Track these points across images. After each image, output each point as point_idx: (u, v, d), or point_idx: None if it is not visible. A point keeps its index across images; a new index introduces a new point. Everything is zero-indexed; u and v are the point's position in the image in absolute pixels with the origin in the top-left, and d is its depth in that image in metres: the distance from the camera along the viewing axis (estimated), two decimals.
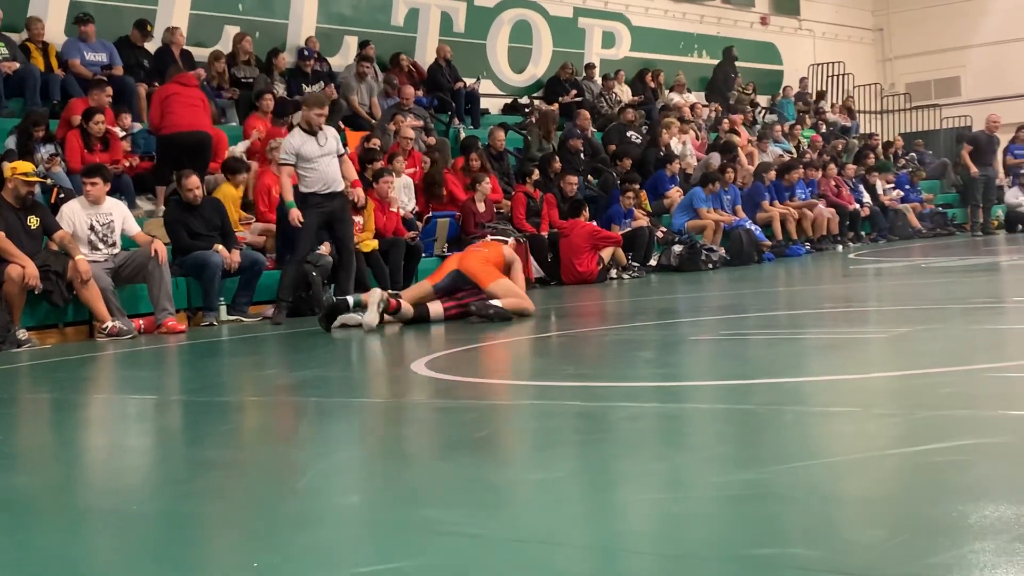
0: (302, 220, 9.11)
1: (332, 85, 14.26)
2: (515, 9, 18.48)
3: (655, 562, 2.24)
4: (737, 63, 21.26)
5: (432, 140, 14.13)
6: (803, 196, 17.06)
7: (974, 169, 19.36)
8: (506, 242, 9.36)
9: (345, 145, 9.83)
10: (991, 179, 19.59)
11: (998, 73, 23.85)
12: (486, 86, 17.52)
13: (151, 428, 4.64)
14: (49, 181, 9.90)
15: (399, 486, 3.05)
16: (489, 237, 10.49)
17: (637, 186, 14.62)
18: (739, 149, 17.29)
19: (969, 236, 19.15)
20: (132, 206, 10.40)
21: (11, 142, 10.49)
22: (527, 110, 17.03)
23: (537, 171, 13.68)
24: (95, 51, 12.54)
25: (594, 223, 13.32)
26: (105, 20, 12.84)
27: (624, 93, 18.74)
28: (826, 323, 7.08)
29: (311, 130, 9.17)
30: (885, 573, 2.04)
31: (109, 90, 11.41)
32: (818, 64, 24.29)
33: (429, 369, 5.48)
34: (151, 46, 13.22)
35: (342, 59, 15.54)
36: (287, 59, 14.47)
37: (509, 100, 17.92)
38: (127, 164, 10.97)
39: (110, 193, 9.44)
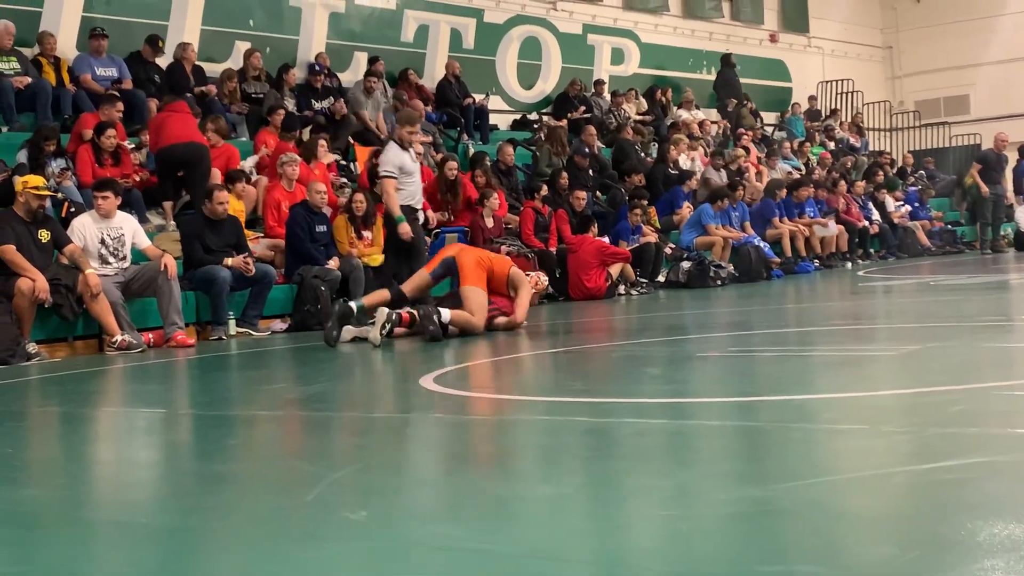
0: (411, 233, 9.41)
1: (341, 100, 14.31)
2: (524, 26, 18.56)
3: None
4: (745, 80, 21.31)
5: (440, 156, 14.16)
6: (812, 213, 17.06)
7: (984, 187, 19.35)
8: (528, 259, 9.40)
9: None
10: (1000, 197, 19.60)
11: (1007, 91, 23.86)
12: (495, 102, 17.58)
13: (160, 442, 4.65)
14: (60, 195, 9.94)
15: (407, 501, 3.05)
16: (504, 251, 10.55)
17: (645, 202, 14.63)
18: (743, 163, 17.27)
19: (978, 254, 19.13)
20: (142, 220, 10.44)
21: (22, 156, 10.55)
22: (536, 126, 17.07)
23: (545, 187, 13.70)
24: (105, 66, 12.62)
25: (603, 239, 13.32)
26: (117, 35, 12.91)
27: (633, 110, 18.77)
28: (835, 340, 7.07)
29: (404, 146, 9.40)
30: None
31: (120, 105, 11.47)
32: (827, 81, 24.32)
33: (437, 384, 5.48)
34: (163, 61, 13.29)
35: (352, 75, 15.60)
36: (297, 75, 14.53)
37: (518, 116, 17.97)
38: (137, 179, 11.01)
39: (121, 207, 9.48)
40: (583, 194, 13.78)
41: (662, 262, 14.00)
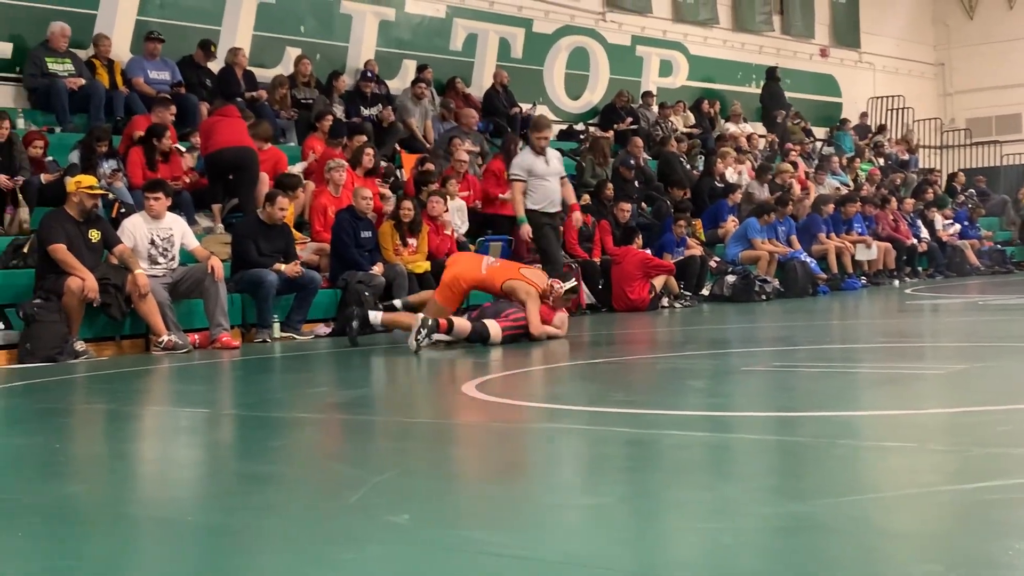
0: (531, 236, 9.69)
1: (389, 108, 14.38)
2: (573, 36, 18.56)
3: None
4: (794, 94, 21.20)
5: (484, 167, 14.19)
6: (860, 230, 16.93)
7: None
8: (572, 268, 9.41)
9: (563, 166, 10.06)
10: None
11: None
12: (542, 112, 17.57)
13: (204, 441, 4.69)
14: (111, 196, 10.06)
15: (448, 506, 3.06)
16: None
17: (690, 214, 14.57)
18: (785, 177, 17.13)
19: None
20: (191, 222, 10.53)
21: (75, 156, 10.70)
22: (582, 136, 17.07)
23: (589, 197, 13.69)
24: (158, 69, 12.76)
25: (647, 251, 13.29)
26: (170, 39, 13.04)
27: (680, 122, 18.72)
28: (880, 358, 7.01)
29: (536, 151, 9.65)
30: None
31: (173, 108, 11.61)
32: (878, 97, 24.14)
33: (480, 391, 5.50)
34: (214, 66, 13.43)
35: (400, 82, 15.67)
36: (347, 81, 14.62)
37: (565, 126, 17.98)
38: (187, 180, 11.13)
39: (170, 209, 9.58)
40: (628, 206, 13.75)
41: (706, 275, 13.94)
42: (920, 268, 18.24)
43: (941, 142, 25.32)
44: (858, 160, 20.56)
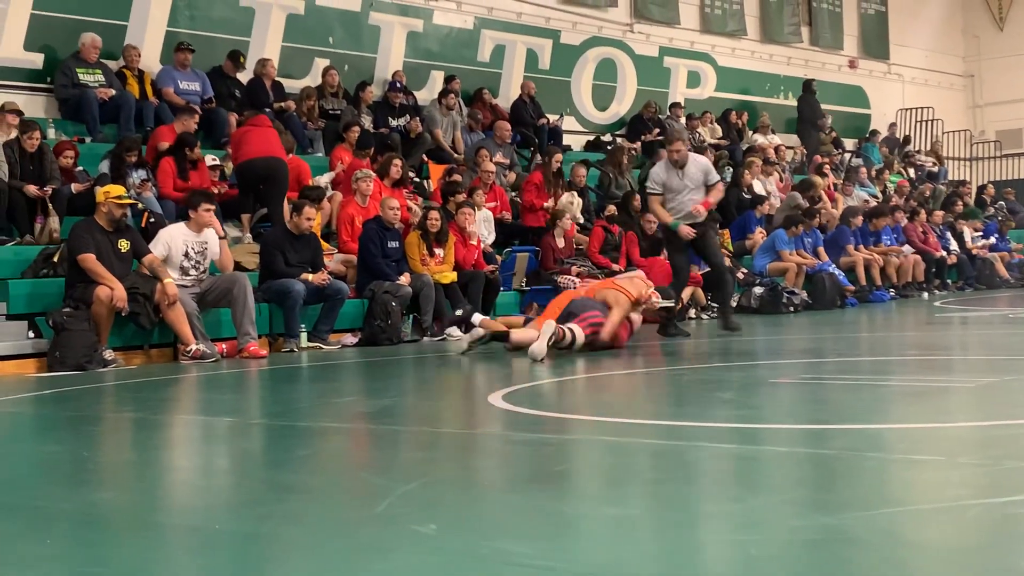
0: (690, 235, 9.86)
1: (417, 119, 14.42)
2: (601, 47, 18.56)
3: None
4: (823, 106, 21.13)
5: (513, 176, 14.19)
6: (889, 242, 16.83)
7: None
8: (597, 278, 9.50)
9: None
10: None
11: None
12: (569, 123, 17.60)
13: (231, 450, 4.70)
14: (140, 205, 10.12)
15: (474, 516, 3.06)
16: (575, 271, 10.98)
17: (718, 226, 14.51)
18: (820, 190, 17.07)
19: None
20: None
21: (104, 166, 10.77)
22: (609, 147, 17.06)
23: (615, 207, 13.66)
24: (189, 80, 12.85)
25: None
26: (199, 50, 13.14)
27: (708, 133, 18.68)
28: (909, 370, 6.96)
29: (672, 164, 9.82)
30: None
31: (197, 116, 11.68)
32: (907, 109, 24.01)
33: (506, 402, 5.49)
34: (243, 77, 13.51)
35: (428, 93, 15.72)
36: (374, 92, 14.67)
37: (592, 137, 17.97)
38: (216, 191, 11.18)
39: None
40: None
41: (734, 287, 13.87)
42: (949, 281, 18.11)
43: (970, 154, 25.15)
44: (887, 172, 20.45)
